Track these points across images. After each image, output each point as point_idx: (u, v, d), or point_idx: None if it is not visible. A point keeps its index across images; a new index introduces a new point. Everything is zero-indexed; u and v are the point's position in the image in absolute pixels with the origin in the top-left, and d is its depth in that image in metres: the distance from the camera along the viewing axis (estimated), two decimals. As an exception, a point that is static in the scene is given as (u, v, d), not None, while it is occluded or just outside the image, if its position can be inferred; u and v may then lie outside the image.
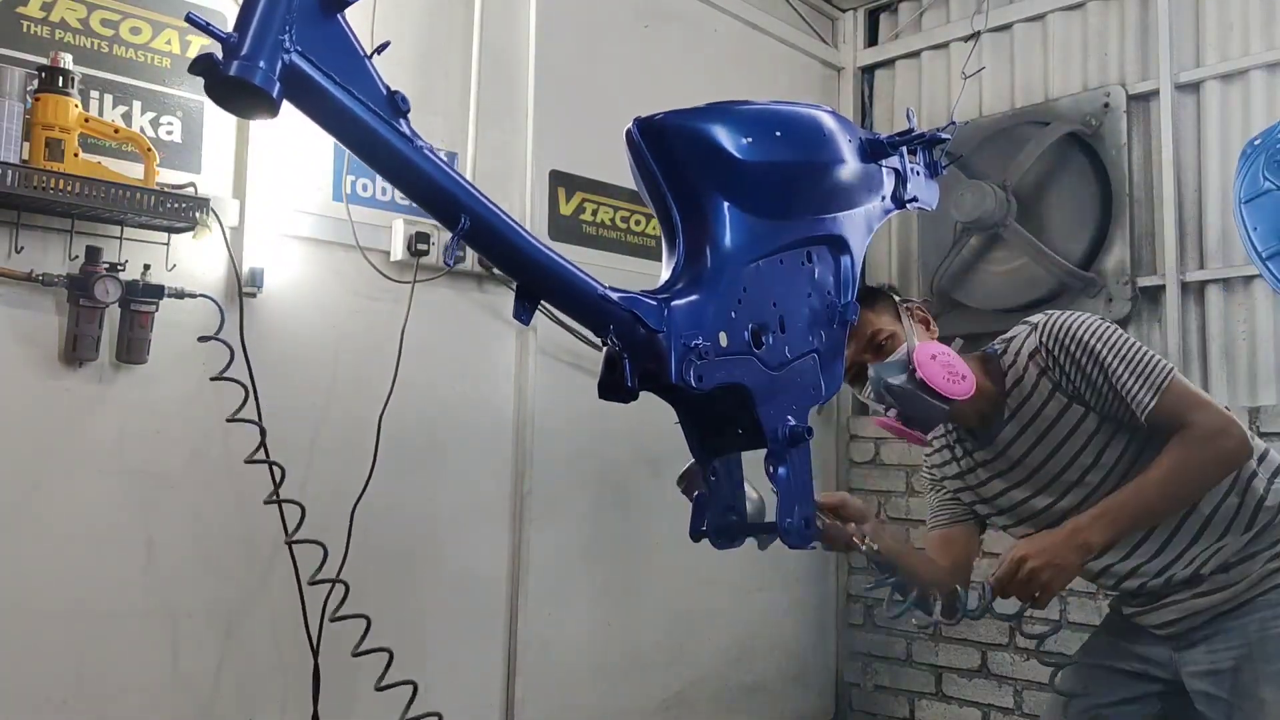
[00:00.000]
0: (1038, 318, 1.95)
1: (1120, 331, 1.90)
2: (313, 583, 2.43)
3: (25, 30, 2.23)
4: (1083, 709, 2.02)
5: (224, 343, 2.33)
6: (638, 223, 3.46)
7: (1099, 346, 1.85)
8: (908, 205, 1.77)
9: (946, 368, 1.85)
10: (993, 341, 2.04)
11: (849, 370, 1.91)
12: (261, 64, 1.03)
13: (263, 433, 2.38)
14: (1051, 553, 1.74)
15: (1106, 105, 3.57)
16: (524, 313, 1.31)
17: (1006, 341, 1.99)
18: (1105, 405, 1.87)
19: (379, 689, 2.43)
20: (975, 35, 3.82)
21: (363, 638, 2.44)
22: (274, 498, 2.38)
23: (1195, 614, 1.91)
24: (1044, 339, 1.90)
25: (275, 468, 2.39)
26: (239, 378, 2.37)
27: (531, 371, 3.08)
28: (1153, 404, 1.81)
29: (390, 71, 1.18)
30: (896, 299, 2.00)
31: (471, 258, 2.90)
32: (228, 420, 2.35)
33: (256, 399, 2.40)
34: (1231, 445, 1.82)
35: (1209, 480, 1.85)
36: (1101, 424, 1.89)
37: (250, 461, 2.37)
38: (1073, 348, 1.87)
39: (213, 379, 2.32)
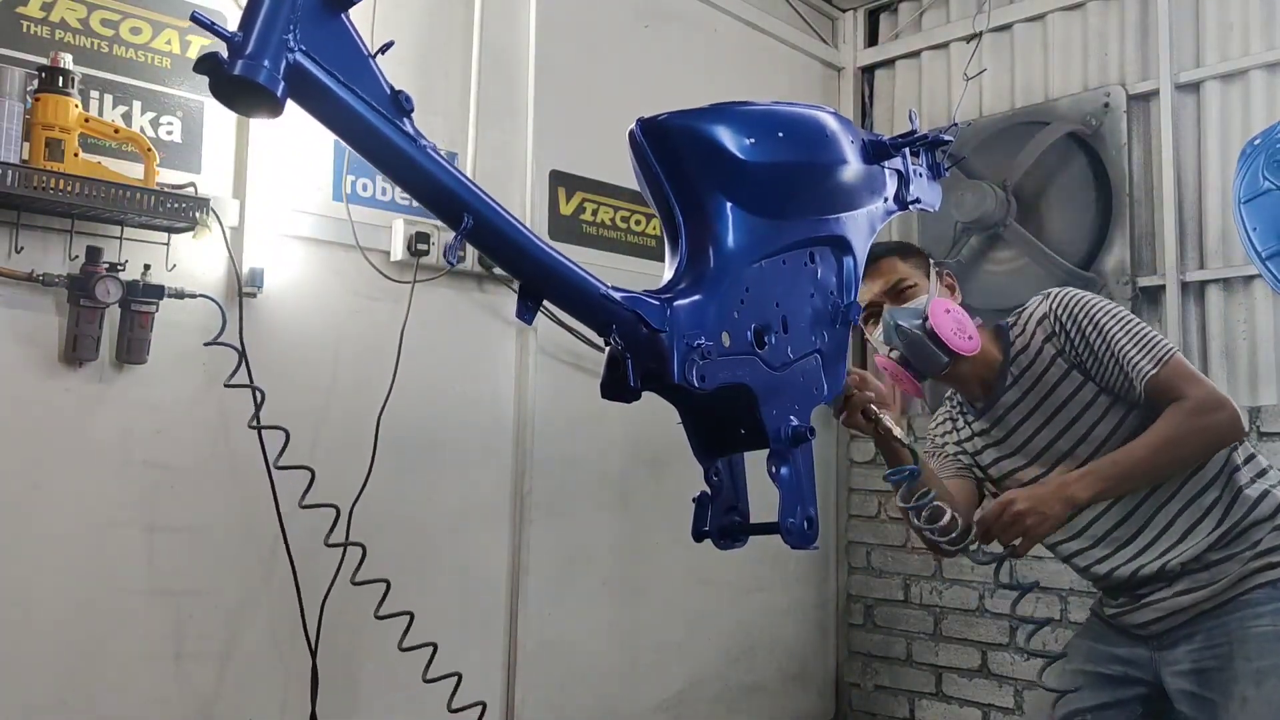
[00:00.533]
0: (1052, 290, 2.02)
1: (1130, 313, 1.95)
2: (356, 583, 2.43)
3: (25, 30, 2.23)
4: (1066, 713, 2.03)
5: (232, 346, 2.32)
6: (638, 223, 3.46)
7: (1105, 319, 1.91)
8: (910, 206, 1.78)
9: (957, 323, 1.94)
10: (1007, 316, 2.10)
11: (865, 309, 1.99)
12: (266, 63, 1.03)
13: (286, 434, 2.37)
14: (1037, 500, 1.78)
15: (1106, 105, 3.57)
16: (527, 312, 1.31)
17: (1019, 313, 2.06)
18: (1105, 374, 1.91)
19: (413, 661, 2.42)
20: (976, 35, 3.82)
21: (407, 631, 2.43)
22: (303, 502, 2.36)
23: (1176, 613, 1.93)
24: (1053, 305, 1.96)
25: (306, 470, 2.37)
26: (240, 379, 2.36)
27: (531, 371, 3.08)
28: (1152, 372, 1.85)
29: (390, 71, 1.18)
30: (931, 261, 2.07)
31: (472, 257, 2.90)
32: (249, 425, 2.33)
33: (257, 400, 2.40)
34: (1224, 418, 1.85)
35: (1199, 450, 1.88)
36: (1098, 395, 1.94)
37: (281, 467, 2.36)
38: (1080, 315, 1.92)
39: (227, 385, 2.30)
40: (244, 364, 2.33)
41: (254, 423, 2.32)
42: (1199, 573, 1.91)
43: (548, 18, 3.19)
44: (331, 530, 2.39)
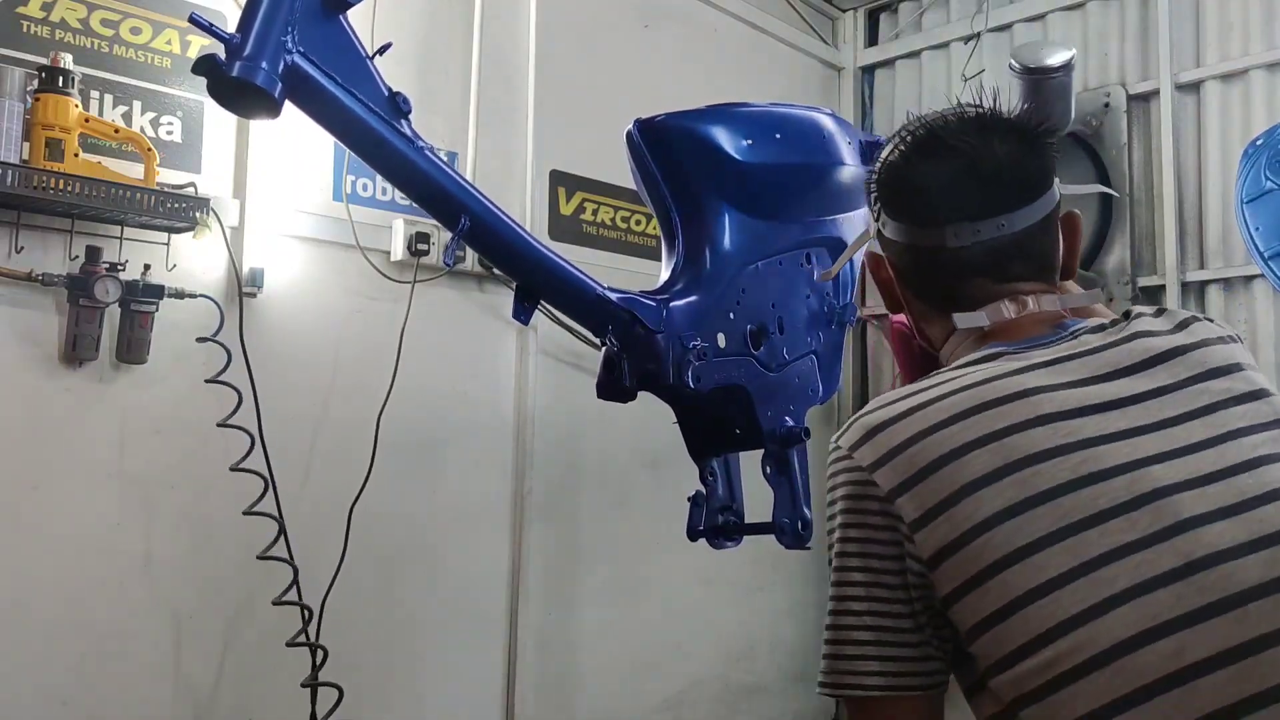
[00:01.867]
0: None
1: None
2: (293, 644, 2.39)
3: (25, 30, 2.23)
4: None
5: (221, 344, 2.33)
6: (638, 223, 3.46)
7: None
8: (908, 206, 1.77)
9: None
10: None
11: None
12: (264, 65, 1.04)
13: (261, 442, 2.38)
14: None
15: (1107, 105, 3.57)
16: (523, 313, 1.32)
17: None
18: None
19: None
20: (976, 36, 3.82)
21: (316, 669, 2.44)
22: (254, 510, 2.34)
23: None
24: None
25: (261, 478, 2.36)
26: (238, 379, 2.36)
27: (531, 371, 3.09)
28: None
29: (390, 71, 1.18)
30: None
31: (471, 258, 2.90)
32: (218, 424, 2.33)
33: (256, 400, 2.41)
34: None
35: None
36: None
37: (236, 469, 2.35)
38: None
39: (207, 381, 2.31)
40: (231, 362, 2.34)
41: (229, 422, 2.32)
42: None
43: (548, 18, 3.19)
44: (272, 545, 2.36)
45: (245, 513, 2.34)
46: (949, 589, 0.94)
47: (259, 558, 2.35)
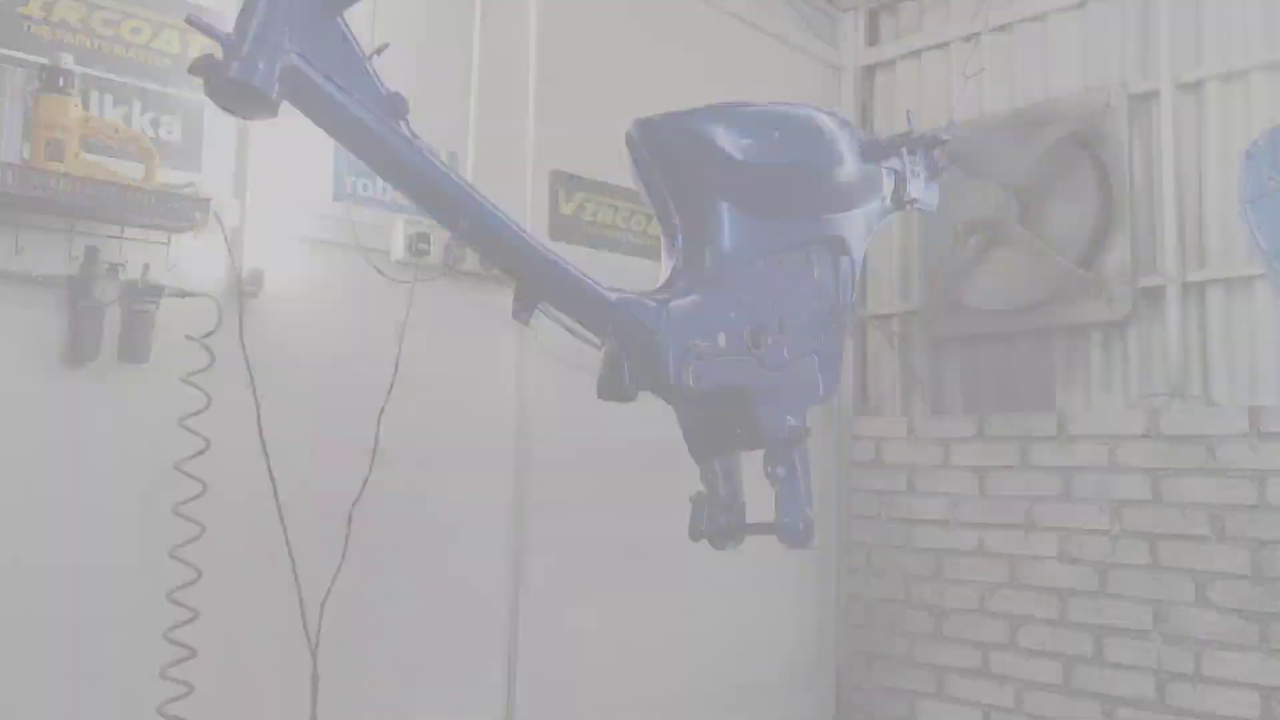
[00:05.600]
0: None
1: None
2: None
3: (26, 30, 2.23)
4: None
5: (204, 345, 2.31)
6: (638, 222, 3.46)
7: None
8: (908, 206, 1.78)
9: None
10: None
11: None
12: (261, 65, 1.04)
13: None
14: None
15: (1107, 105, 3.57)
16: (523, 313, 1.32)
17: None
18: None
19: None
20: (976, 35, 3.82)
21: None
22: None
23: None
24: None
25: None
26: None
27: (531, 371, 3.08)
28: None
29: (390, 71, 1.18)
30: None
31: (472, 258, 2.90)
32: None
33: (256, 399, 2.40)
34: None
35: None
36: None
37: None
38: None
39: (182, 380, 2.28)
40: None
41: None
42: None
43: (548, 18, 3.19)
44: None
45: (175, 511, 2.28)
46: None
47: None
